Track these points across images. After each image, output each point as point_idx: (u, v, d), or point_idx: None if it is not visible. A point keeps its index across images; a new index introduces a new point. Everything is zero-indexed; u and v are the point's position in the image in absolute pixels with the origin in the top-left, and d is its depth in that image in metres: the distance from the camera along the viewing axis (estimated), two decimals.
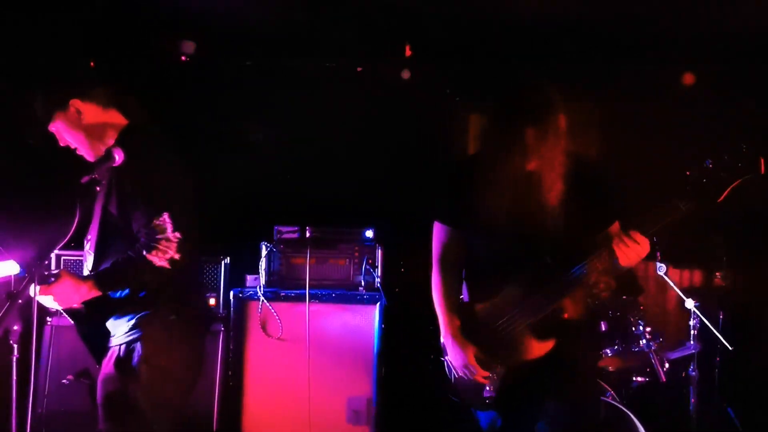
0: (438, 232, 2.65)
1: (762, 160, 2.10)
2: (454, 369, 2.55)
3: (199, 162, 3.71)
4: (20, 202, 3.77)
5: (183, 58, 4.51)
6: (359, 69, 4.75)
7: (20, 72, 3.67)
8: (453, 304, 2.59)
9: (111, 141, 2.55)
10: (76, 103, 2.54)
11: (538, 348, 2.43)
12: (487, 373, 2.49)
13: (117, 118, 2.60)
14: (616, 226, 2.46)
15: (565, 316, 2.43)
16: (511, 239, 2.44)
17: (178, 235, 2.40)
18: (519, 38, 4.37)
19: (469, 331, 2.54)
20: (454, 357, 2.53)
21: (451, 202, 2.60)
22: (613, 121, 4.64)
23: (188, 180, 2.61)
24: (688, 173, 2.20)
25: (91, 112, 2.56)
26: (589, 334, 2.58)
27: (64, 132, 2.59)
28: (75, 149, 2.63)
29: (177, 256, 2.40)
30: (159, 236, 2.39)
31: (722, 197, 2.17)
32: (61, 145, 2.64)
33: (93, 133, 2.57)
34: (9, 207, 3.64)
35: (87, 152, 2.61)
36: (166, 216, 2.39)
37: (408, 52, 4.62)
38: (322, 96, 4.65)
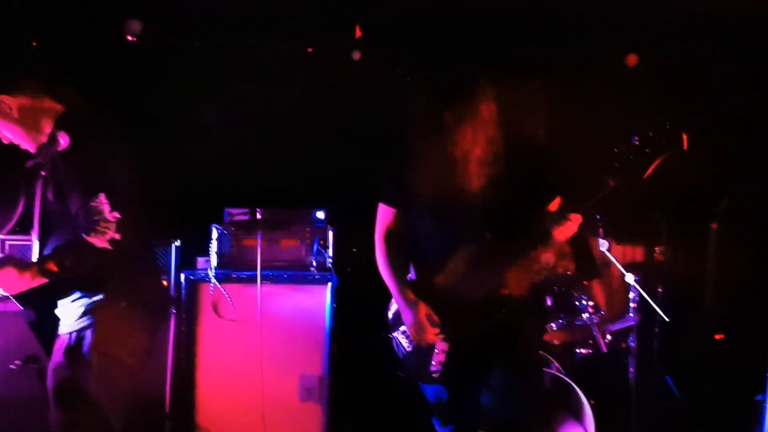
0: (381, 213, 2.72)
1: (684, 136, 2.19)
2: (408, 330, 2.59)
3: (148, 145, 3.70)
4: None
5: (129, 38, 4.44)
6: (309, 50, 4.74)
7: None
8: (402, 272, 2.66)
9: (48, 129, 2.55)
10: (5, 99, 2.52)
11: (482, 323, 2.51)
12: (437, 330, 2.53)
13: (51, 106, 2.58)
14: (555, 202, 2.55)
15: (506, 291, 2.52)
16: (451, 218, 2.52)
17: (116, 215, 2.40)
18: (469, 19, 4.42)
19: None
20: (406, 316, 2.58)
21: (393, 183, 2.67)
22: (560, 101, 4.75)
23: (128, 161, 2.60)
24: (616, 150, 2.29)
25: (23, 104, 2.54)
26: (532, 309, 2.68)
27: (2, 128, 2.58)
28: (18, 145, 2.62)
29: (117, 236, 2.41)
30: (97, 217, 2.39)
31: (648, 173, 2.26)
32: (4, 142, 2.63)
33: (28, 124, 2.56)
34: None
35: (28, 144, 2.61)
36: (102, 197, 2.40)
37: (358, 33, 4.63)
38: (272, 77, 4.62)
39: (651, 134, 2.24)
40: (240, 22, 4.51)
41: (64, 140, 2.38)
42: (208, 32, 4.63)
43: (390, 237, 2.71)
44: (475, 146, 2.43)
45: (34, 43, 4.37)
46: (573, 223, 2.37)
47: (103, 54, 4.47)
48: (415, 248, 2.69)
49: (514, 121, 2.55)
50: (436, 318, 2.54)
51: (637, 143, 2.26)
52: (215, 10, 4.36)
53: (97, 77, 4.23)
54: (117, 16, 4.38)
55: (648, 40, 4.60)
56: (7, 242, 3.70)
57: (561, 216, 2.38)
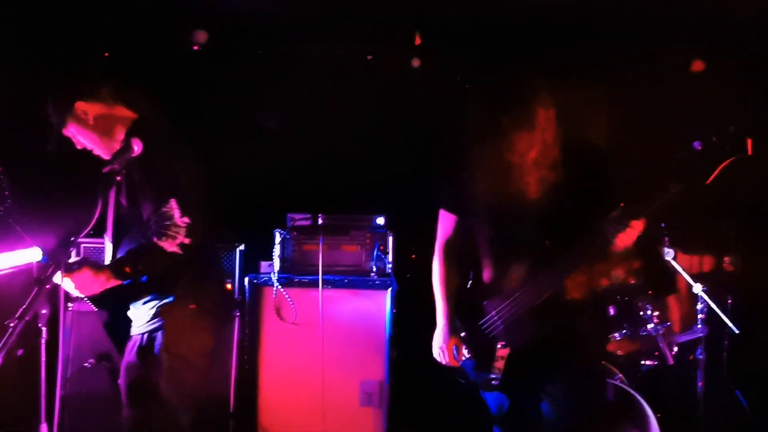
0: (443, 220, 2.73)
1: (749, 141, 2.11)
2: (434, 348, 2.71)
3: (213, 150, 3.80)
4: (45, 191, 3.86)
5: (195, 47, 4.57)
6: (369, 57, 4.78)
7: (36, 73, 3.75)
8: (451, 292, 2.71)
9: (121, 136, 2.63)
10: (81, 105, 2.62)
11: (542, 330, 2.48)
12: (456, 364, 2.65)
13: (124, 113, 2.67)
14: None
15: (566, 298, 2.48)
16: (510, 224, 2.50)
17: (186, 220, 2.48)
18: (529, 23, 4.39)
19: (472, 315, 2.62)
20: (437, 337, 2.69)
21: (452, 189, 2.67)
22: (621, 105, 4.67)
23: (196, 167, 2.68)
24: (678, 155, 2.22)
25: (98, 110, 2.64)
26: (594, 317, 2.63)
27: (77, 134, 2.68)
28: (91, 150, 2.72)
29: (187, 241, 2.48)
30: (167, 222, 2.46)
31: (711, 179, 2.18)
32: (78, 148, 2.73)
33: (103, 130, 2.65)
34: (35, 196, 3.74)
35: (102, 150, 2.70)
36: (173, 202, 2.47)
37: (418, 41, 4.65)
38: (334, 83, 4.69)
39: (714, 139, 2.17)
40: (301, 30, 4.59)
41: (138, 147, 2.46)
42: (270, 40, 4.72)
43: (449, 250, 2.73)
44: (533, 151, 2.40)
45: (107, 53, 4.54)
46: (634, 230, 2.31)
47: (170, 62, 4.61)
48: (474, 254, 2.68)
49: (574, 126, 2.51)
50: (462, 354, 2.64)
51: (700, 148, 2.19)
52: (277, 19, 4.46)
53: (164, 85, 4.36)
54: (183, 26, 4.51)
55: (713, 42, 4.48)
56: (83, 245, 3.86)
57: (621, 223, 2.32)
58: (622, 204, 2.45)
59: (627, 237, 2.32)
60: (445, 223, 2.73)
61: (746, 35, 4.34)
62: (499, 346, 2.54)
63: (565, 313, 2.48)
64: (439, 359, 2.70)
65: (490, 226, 2.57)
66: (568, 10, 4.18)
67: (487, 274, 2.61)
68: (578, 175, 2.43)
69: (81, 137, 2.68)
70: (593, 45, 4.56)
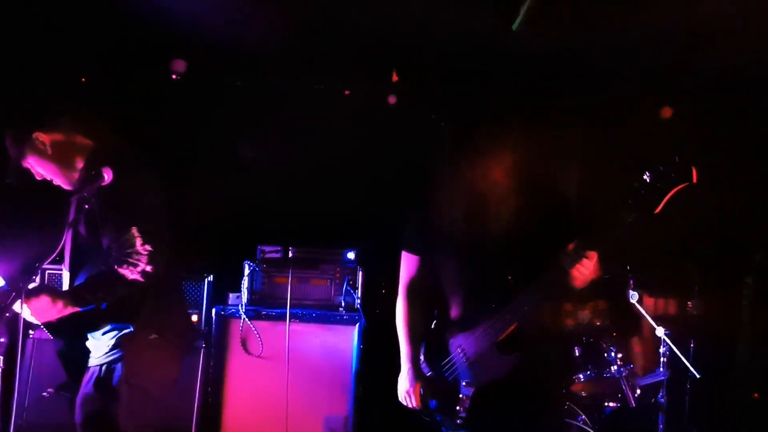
0: (405, 262, 2.74)
1: (694, 170, 2.15)
2: (400, 392, 2.68)
3: (185, 179, 3.79)
4: (10, 217, 3.81)
5: (174, 76, 4.58)
6: (346, 92, 4.84)
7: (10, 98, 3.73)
8: (415, 335, 2.70)
9: (80, 164, 2.60)
10: (39, 136, 2.59)
11: (504, 367, 2.49)
12: (419, 405, 2.63)
13: (83, 142, 2.63)
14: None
15: (530, 333, 2.50)
16: (475, 260, 2.52)
17: (148, 247, 2.44)
18: (505, 66, 4.48)
19: (437, 353, 2.63)
20: (402, 381, 2.67)
21: (415, 229, 2.69)
22: (592, 147, 4.77)
23: (161, 195, 2.65)
24: (630, 186, 2.26)
25: (56, 141, 2.60)
26: (557, 355, 2.65)
27: (36, 165, 2.64)
28: (51, 181, 2.69)
29: (149, 269, 2.44)
30: (129, 250, 2.42)
31: (659, 208, 2.22)
32: (38, 179, 2.70)
33: (62, 161, 2.62)
34: (2, 221, 3.69)
35: (61, 180, 2.67)
36: (134, 230, 2.43)
37: (395, 78, 4.72)
38: (309, 117, 4.72)
39: (661, 168, 2.21)
40: (280, 64, 4.63)
41: (108, 175, 2.44)
42: (249, 72, 4.75)
43: (412, 291, 2.73)
44: (501, 189, 2.46)
45: (83, 79, 4.53)
46: (590, 261, 2.31)
47: (147, 90, 4.61)
48: (437, 292, 2.70)
49: (543, 166, 2.57)
50: (428, 397, 2.61)
51: (649, 178, 2.23)
52: (257, 51, 4.50)
53: (139, 113, 4.37)
54: (162, 55, 4.53)
55: (685, 90, 4.61)
56: (47, 271, 3.81)
57: (577, 254, 2.31)
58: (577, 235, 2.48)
59: (584, 268, 2.31)
60: (408, 265, 2.73)
61: (717, 83, 4.48)
62: (463, 383, 2.55)
63: (527, 349, 2.49)
64: (405, 403, 2.68)
65: (454, 263, 2.58)
66: (544, 54, 4.29)
67: (450, 312, 2.62)
68: (542, 213, 2.47)
69: (40, 168, 2.64)
70: (567, 87, 4.66)
